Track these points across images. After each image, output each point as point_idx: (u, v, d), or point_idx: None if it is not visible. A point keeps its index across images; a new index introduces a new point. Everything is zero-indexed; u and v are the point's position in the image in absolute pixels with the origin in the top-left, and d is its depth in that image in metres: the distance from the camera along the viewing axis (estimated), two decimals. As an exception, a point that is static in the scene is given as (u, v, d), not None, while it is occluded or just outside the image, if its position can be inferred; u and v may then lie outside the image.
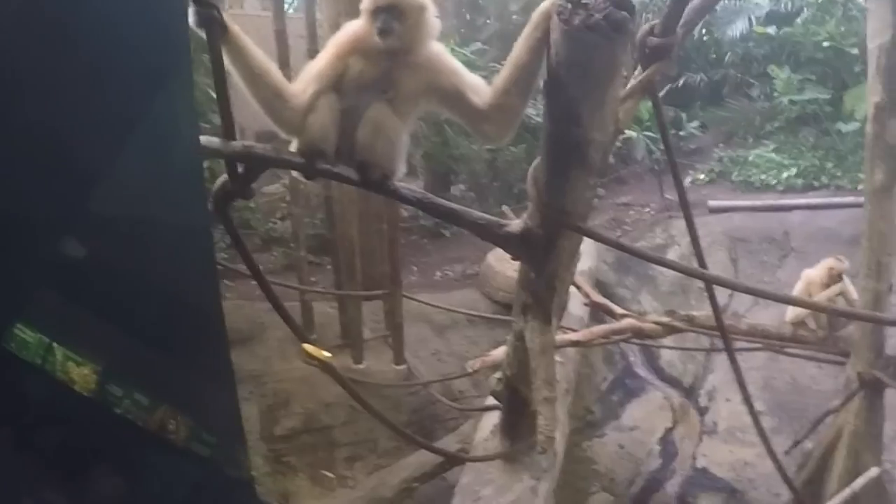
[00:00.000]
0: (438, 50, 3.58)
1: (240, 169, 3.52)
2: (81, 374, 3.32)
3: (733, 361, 5.23)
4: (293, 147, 3.55)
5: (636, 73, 3.94)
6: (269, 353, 8.95)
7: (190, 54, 2.80)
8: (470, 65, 12.72)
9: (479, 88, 3.50)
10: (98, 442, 3.35)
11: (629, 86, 3.94)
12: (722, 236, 11.60)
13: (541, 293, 3.89)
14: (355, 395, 4.81)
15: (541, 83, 3.27)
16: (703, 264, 4.52)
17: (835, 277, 7.46)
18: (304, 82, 3.49)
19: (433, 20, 3.56)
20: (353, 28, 3.57)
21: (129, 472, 3.42)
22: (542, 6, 3.16)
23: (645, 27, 3.69)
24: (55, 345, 3.16)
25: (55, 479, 3.44)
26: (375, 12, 3.45)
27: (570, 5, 2.86)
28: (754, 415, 5.43)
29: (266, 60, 3.44)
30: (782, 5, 15.34)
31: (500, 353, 5.78)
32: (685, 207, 4.45)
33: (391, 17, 3.44)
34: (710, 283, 4.83)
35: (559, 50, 3.00)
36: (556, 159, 3.38)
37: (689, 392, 9.75)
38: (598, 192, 13.73)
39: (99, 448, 3.38)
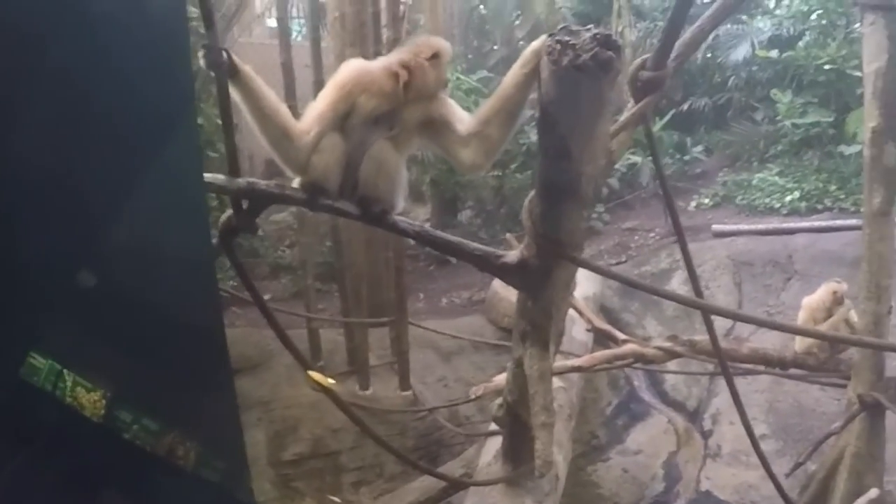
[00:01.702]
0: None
1: (244, 204, 3.63)
2: (91, 400, 3.41)
3: (732, 387, 5.27)
4: (296, 182, 3.65)
5: (629, 105, 4.05)
6: (277, 380, 9.03)
7: (194, 98, 2.91)
8: (475, 92, 12.96)
9: (463, 117, 3.61)
10: (108, 467, 3.44)
11: (623, 118, 4.05)
12: (726, 260, 11.64)
13: (538, 321, 3.97)
14: (358, 422, 4.91)
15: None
16: (698, 291, 4.60)
17: (838, 301, 7.52)
18: (310, 122, 3.58)
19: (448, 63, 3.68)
20: (362, 66, 3.66)
21: (138, 498, 3.51)
22: (533, 45, 3.27)
23: (637, 62, 3.80)
24: (65, 371, 3.25)
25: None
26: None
27: (559, 46, 2.97)
28: (753, 438, 5.48)
29: (275, 100, 3.54)
30: (784, 29, 15.43)
31: (502, 379, 5.86)
32: (679, 234, 4.55)
33: None
34: (703, 311, 4.92)
35: (548, 88, 3.10)
36: (549, 192, 3.48)
37: (693, 416, 9.78)
38: (603, 218, 13.86)
39: (109, 473, 3.46)
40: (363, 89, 3.60)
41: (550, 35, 3.04)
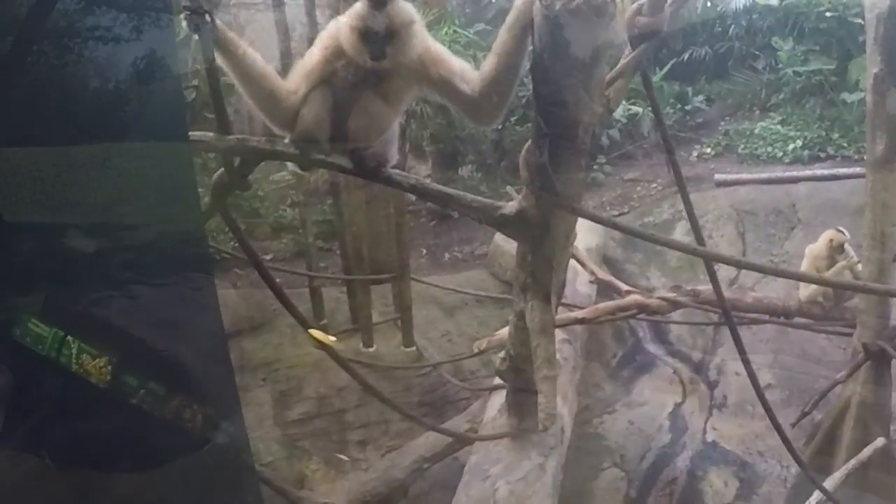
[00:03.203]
0: (426, 42, 3.61)
1: (236, 162, 3.59)
2: (97, 367, 3.40)
3: (736, 337, 5.26)
4: (287, 139, 3.60)
5: (627, 52, 3.98)
6: (281, 340, 9.00)
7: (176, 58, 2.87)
8: (474, 45, 12.84)
9: (468, 75, 3.55)
10: (118, 431, 3.44)
11: (619, 65, 3.99)
12: (729, 210, 11.58)
13: (539, 273, 3.94)
14: (360, 380, 4.90)
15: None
16: (700, 240, 4.57)
17: (836, 249, 7.48)
18: (297, 80, 3.54)
19: (421, 29, 3.58)
20: (342, 29, 3.58)
21: (147, 461, 3.51)
22: None
23: (633, 7, 3.74)
24: (69, 338, 3.23)
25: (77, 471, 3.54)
26: (365, 35, 3.46)
27: (551, -10, 2.91)
28: (758, 388, 5.47)
29: (259, 62, 3.49)
30: (784, -24, 15.27)
31: (505, 332, 5.84)
32: (681, 184, 4.50)
33: (383, 42, 3.45)
34: (706, 259, 4.89)
35: (542, 35, 3.05)
36: (545, 141, 3.43)
37: (699, 366, 9.77)
38: (604, 169, 13.77)
39: (119, 437, 3.47)
40: (342, 53, 3.53)
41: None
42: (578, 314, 7.34)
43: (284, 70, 3.67)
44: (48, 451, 3.62)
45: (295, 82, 3.55)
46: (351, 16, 3.49)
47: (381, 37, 3.42)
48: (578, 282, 8.61)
